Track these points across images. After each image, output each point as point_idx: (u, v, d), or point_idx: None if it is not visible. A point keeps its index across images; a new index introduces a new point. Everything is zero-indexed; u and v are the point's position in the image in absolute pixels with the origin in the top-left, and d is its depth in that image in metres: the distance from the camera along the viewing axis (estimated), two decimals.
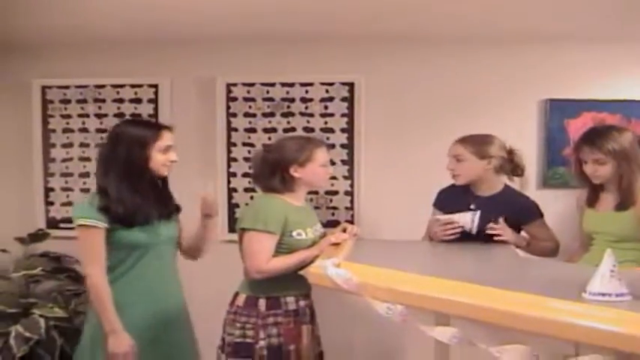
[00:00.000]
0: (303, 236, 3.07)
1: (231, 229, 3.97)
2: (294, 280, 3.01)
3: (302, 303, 3.14)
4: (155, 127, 2.84)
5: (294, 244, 3.05)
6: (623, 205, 2.91)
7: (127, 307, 2.72)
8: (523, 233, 3.24)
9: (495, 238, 3.08)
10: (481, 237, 3.11)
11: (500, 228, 3.10)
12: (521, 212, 3.22)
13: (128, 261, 2.76)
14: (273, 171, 3.13)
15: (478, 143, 3.19)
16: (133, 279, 2.77)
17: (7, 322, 3.73)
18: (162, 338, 2.85)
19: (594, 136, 2.96)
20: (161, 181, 2.90)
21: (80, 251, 2.74)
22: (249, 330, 3.04)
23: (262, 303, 3.05)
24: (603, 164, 2.91)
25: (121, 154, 2.73)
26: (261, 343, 3.01)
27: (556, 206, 3.48)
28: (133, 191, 2.75)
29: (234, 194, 4.24)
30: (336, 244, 2.97)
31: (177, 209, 3.00)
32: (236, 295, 3.15)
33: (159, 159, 2.80)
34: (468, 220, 3.10)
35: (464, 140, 3.22)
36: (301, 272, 2.87)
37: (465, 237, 3.11)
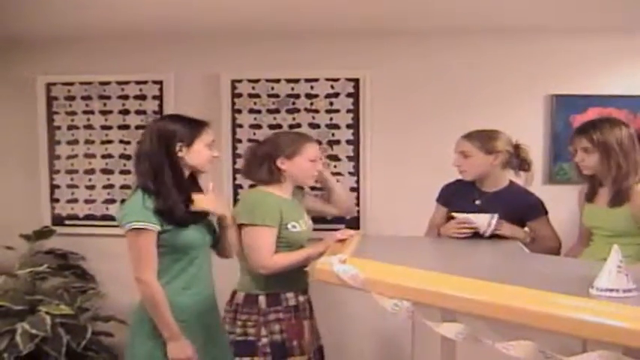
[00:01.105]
0: (297, 228, 3.11)
1: None
2: (292, 275, 3.04)
3: (301, 298, 3.16)
4: (198, 122, 2.79)
5: (291, 236, 3.08)
6: (616, 201, 2.93)
7: (181, 308, 2.68)
8: (526, 229, 3.23)
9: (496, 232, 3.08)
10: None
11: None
12: (526, 209, 3.22)
13: (181, 263, 2.72)
14: (262, 162, 3.19)
15: (484, 139, 3.18)
16: (187, 281, 2.73)
17: (13, 320, 3.73)
18: (212, 338, 2.84)
19: (586, 126, 3.03)
20: (193, 180, 2.84)
21: (132, 255, 2.63)
22: (250, 328, 3.05)
23: (262, 300, 3.07)
24: (589, 153, 2.96)
25: (170, 151, 2.68)
26: (264, 340, 3.03)
27: (562, 202, 3.47)
28: (185, 190, 2.71)
29: (239, 190, 4.24)
30: (342, 241, 2.97)
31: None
32: (234, 293, 3.16)
33: (205, 155, 2.77)
34: (485, 222, 3.07)
35: (470, 136, 3.21)
36: (307, 269, 2.88)
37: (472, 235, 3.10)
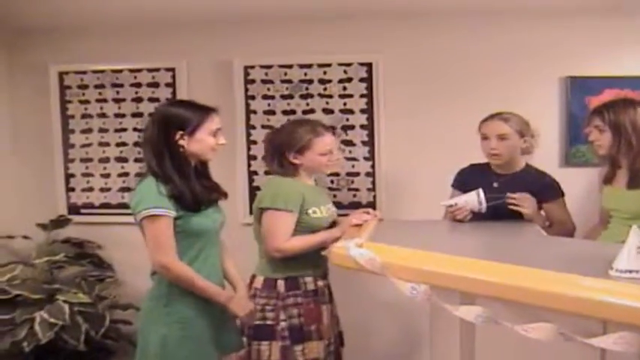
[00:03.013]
0: (318, 214, 3.10)
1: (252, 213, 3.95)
2: (312, 260, 3.04)
3: (320, 283, 3.16)
4: (204, 109, 2.74)
5: (311, 222, 3.07)
6: (634, 183, 2.90)
7: (193, 296, 2.67)
8: (542, 213, 3.22)
9: (513, 207, 3.05)
10: (502, 213, 3.08)
11: (519, 197, 3.07)
12: (543, 190, 3.19)
13: (193, 249, 2.70)
14: (274, 155, 3.17)
15: (519, 121, 3.16)
16: (201, 266, 2.70)
17: (32, 309, 3.75)
18: (224, 323, 2.83)
19: (601, 105, 3.02)
20: (201, 166, 2.81)
21: (151, 242, 2.60)
22: (269, 312, 3.05)
23: (281, 284, 3.07)
24: (602, 132, 2.95)
25: (169, 138, 2.64)
26: (283, 324, 3.03)
27: (578, 184, 3.46)
28: (188, 177, 2.68)
29: (254, 177, 4.25)
30: (358, 226, 2.97)
31: (225, 195, 2.91)
32: (253, 277, 3.16)
33: (209, 142, 2.72)
34: (474, 200, 3.04)
35: (506, 118, 3.17)
36: (324, 253, 2.88)
37: (484, 215, 3.08)
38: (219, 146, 2.78)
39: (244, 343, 3.04)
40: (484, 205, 3.03)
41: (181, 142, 2.66)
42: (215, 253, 2.83)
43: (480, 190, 3.05)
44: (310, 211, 3.08)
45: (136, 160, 4.31)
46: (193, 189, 2.67)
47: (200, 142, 2.69)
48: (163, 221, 2.58)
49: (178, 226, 2.63)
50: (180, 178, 2.64)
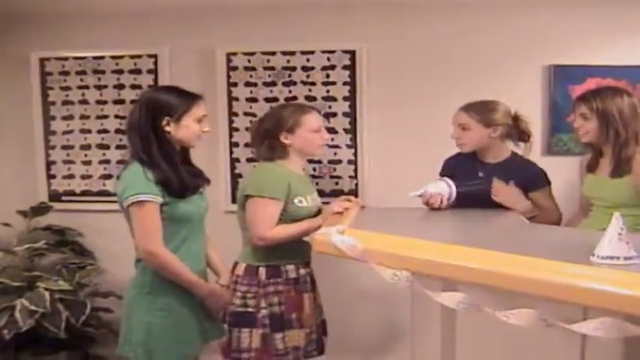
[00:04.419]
0: (304, 204, 3.10)
1: (235, 200, 3.91)
2: (294, 248, 3.05)
3: (302, 271, 3.16)
4: (191, 95, 2.75)
5: (297, 211, 3.07)
6: (617, 172, 2.91)
7: (176, 284, 2.68)
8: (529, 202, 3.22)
9: (493, 197, 3.06)
10: (485, 202, 3.08)
11: (498, 188, 3.08)
12: (528, 179, 3.19)
13: (178, 236, 2.70)
14: (264, 140, 3.17)
15: (483, 111, 3.15)
16: (185, 253, 2.71)
17: (12, 296, 3.74)
18: (202, 313, 2.83)
19: (588, 92, 3.01)
20: (183, 153, 2.81)
21: (137, 228, 2.60)
22: (250, 299, 3.05)
23: (262, 272, 3.07)
24: (587, 119, 2.94)
25: (156, 124, 2.64)
26: (263, 312, 3.03)
27: (560, 173, 3.45)
28: (174, 163, 2.68)
29: (236, 164, 4.23)
30: (340, 213, 2.97)
31: (208, 181, 2.92)
32: (235, 264, 3.16)
33: (194, 129, 2.73)
34: (442, 188, 3.03)
35: (469, 108, 3.18)
36: (306, 239, 2.88)
37: (468, 202, 3.08)
38: (203, 133, 2.79)
39: (225, 331, 3.04)
40: (454, 189, 3.03)
41: (167, 128, 2.67)
42: (199, 240, 2.84)
43: (445, 178, 3.08)
44: (296, 201, 3.07)
45: (118, 147, 4.29)
46: (180, 175, 2.67)
47: (185, 129, 2.71)
48: (150, 207, 2.58)
49: (164, 212, 2.63)
50: (166, 163, 2.64)
